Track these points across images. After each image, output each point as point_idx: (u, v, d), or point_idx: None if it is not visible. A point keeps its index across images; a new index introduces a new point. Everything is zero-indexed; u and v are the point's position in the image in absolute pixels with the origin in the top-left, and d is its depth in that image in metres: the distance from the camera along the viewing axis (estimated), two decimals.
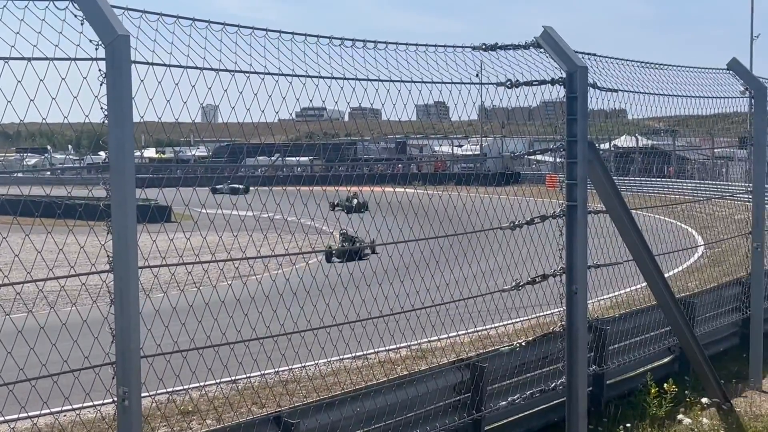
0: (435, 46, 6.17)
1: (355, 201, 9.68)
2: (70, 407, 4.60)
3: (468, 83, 6.31)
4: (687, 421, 7.61)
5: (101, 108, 4.05)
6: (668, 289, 7.61)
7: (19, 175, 5.22)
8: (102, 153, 4.62)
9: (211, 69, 4.60)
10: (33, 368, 4.23)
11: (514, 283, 6.57)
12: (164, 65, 4.34)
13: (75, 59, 4.03)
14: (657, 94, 8.36)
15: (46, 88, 4.00)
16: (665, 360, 9.12)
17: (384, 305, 5.84)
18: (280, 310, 5.35)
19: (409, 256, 6.00)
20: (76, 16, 4.03)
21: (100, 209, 4.10)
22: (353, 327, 5.62)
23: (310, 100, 5.40)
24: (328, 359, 7.09)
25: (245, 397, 8.20)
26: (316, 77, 5.34)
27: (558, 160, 7.00)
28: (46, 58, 3.97)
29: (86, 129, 4.53)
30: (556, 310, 7.01)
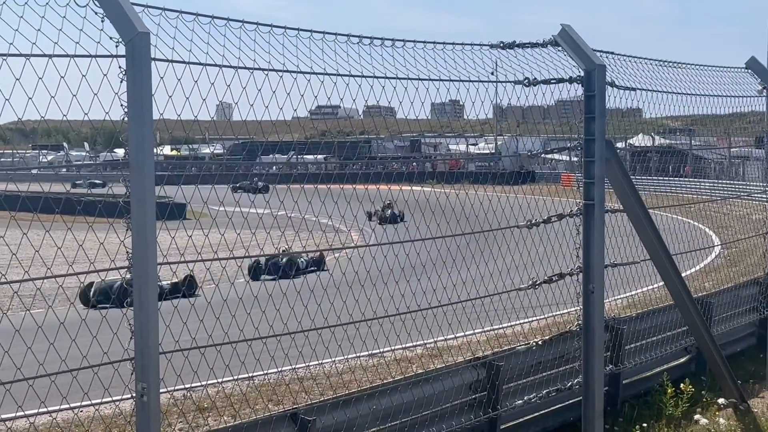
0: (452, 44, 6.18)
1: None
2: (88, 402, 4.63)
3: (485, 81, 6.30)
4: (704, 421, 7.58)
5: (121, 105, 4.07)
6: (685, 288, 7.58)
7: (35, 171, 5.25)
8: (119, 150, 4.64)
9: (230, 66, 4.62)
10: (52, 364, 4.26)
11: (530, 282, 6.56)
12: (183, 62, 4.36)
13: (95, 56, 4.05)
14: (674, 93, 8.33)
15: (67, 85, 4.04)
16: (682, 360, 9.08)
17: (400, 303, 5.84)
18: (296, 306, 5.36)
19: (426, 255, 6.00)
20: (96, 13, 4.06)
21: (120, 206, 4.13)
22: (369, 325, 5.62)
23: (328, 98, 5.42)
24: (345, 357, 7.10)
25: (262, 393, 8.22)
26: (333, 75, 5.35)
27: (575, 158, 6.98)
28: (67, 55, 4.00)
29: (103, 126, 4.56)
30: (572, 309, 6.99)
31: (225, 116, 6.12)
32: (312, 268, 17.79)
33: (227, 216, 5.34)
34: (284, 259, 16.57)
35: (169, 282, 17.08)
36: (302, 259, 17.86)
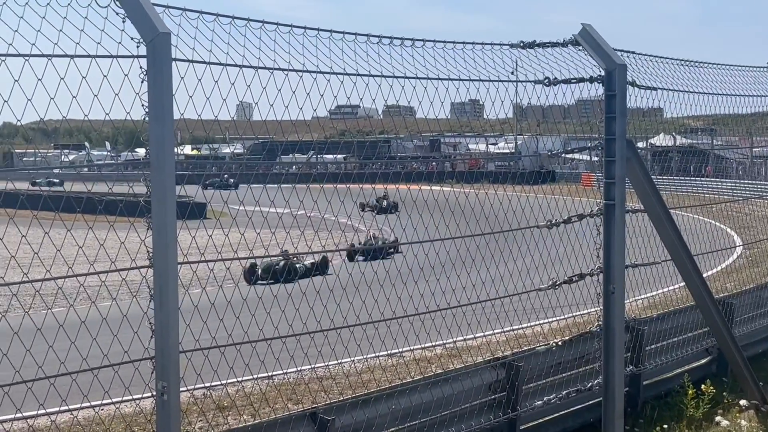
0: (471, 44, 6.16)
1: (385, 202, 9.73)
2: (109, 401, 4.66)
3: (505, 81, 6.29)
4: (725, 423, 7.53)
5: (142, 105, 4.09)
6: (707, 289, 7.53)
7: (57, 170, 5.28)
8: (140, 150, 4.67)
9: (251, 66, 4.63)
10: (74, 362, 4.29)
11: (550, 282, 6.53)
12: (204, 62, 4.38)
13: (117, 57, 4.07)
14: (695, 93, 8.27)
15: (89, 85, 4.05)
16: (703, 361, 9.02)
17: (419, 303, 5.84)
18: (316, 306, 5.38)
19: (445, 254, 5.99)
20: (117, 14, 4.08)
21: (141, 205, 4.15)
22: (389, 324, 5.62)
23: (348, 98, 5.42)
24: (364, 356, 7.11)
25: (281, 393, 8.24)
26: (353, 75, 5.35)
27: (595, 158, 6.95)
28: (89, 56, 4.02)
29: (124, 126, 4.58)
30: (592, 309, 6.96)
31: (245, 116, 6.13)
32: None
33: (247, 215, 5.36)
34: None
35: (309, 262, 17.59)
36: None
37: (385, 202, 9.73)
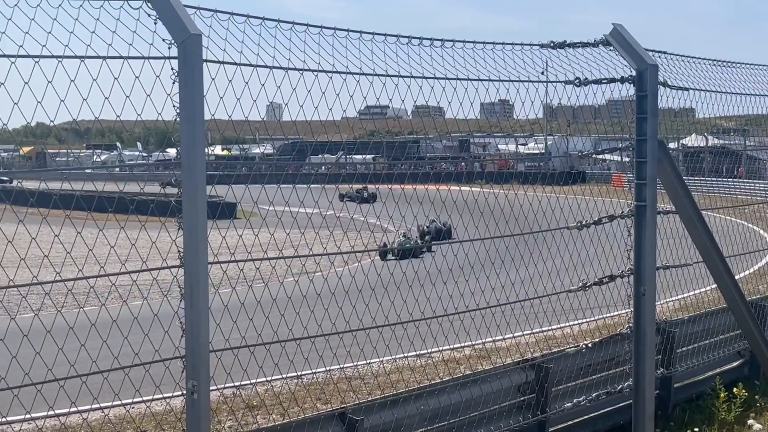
0: (501, 44, 6.14)
1: (365, 193, 9.85)
2: (140, 399, 4.70)
3: (535, 81, 6.26)
4: (757, 426, 7.45)
5: (173, 106, 4.12)
6: (739, 291, 7.45)
7: (90, 170, 5.33)
8: (171, 150, 4.70)
9: (281, 68, 4.65)
10: (105, 360, 4.33)
11: (580, 284, 6.50)
12: (235, 64, 4.40)
13: (148, 58, 4.10)
14: (727, 93, 8.19)
15: (120, 86, 4.08)
16: (735, 364, 8.93)
17: (448, 304, 5.83)
18: (345, 306, 5.39)
19: (474, 255, 5.98)
20: (149, 15, 4.10)
21: (172, 205, 4.18)
22: (417, 325, 5.62)
23: (377, 98, 5.43)
24: (392, 357, 7.11)
25: (310, 392, 8.26)
26: (382, 75, 5.36)
27: (626, 159, 6.90)
28: (121, 57, 4.05)
29: (155, 126, 4.62)
30: (623, 311, 6.91)
31: (275, 116, 6.16)
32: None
33: (276, 216, 5.38)
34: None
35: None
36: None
37: (365, 193, 9.84)
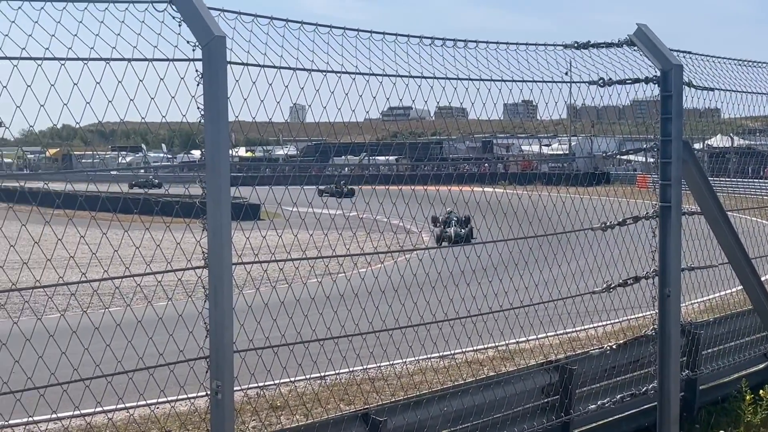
0: (525, 44, 6.12)
1: (345, 188, 9.96)
2: (165, 399, 4.72)
3: (559, 82, 6.24)
4: None
5: (198, 107, 4.14)
6: (765, 293, 7.38)
7: (114, 172, 5.37)
8: (195, 152, 4.73)
9: (304, 69, 4.66)
10: (130, 360, 4.36)
11: (605, 285, 6.47)
12: (258, 65, 4.42)
13: (173, 60, 4.12)
14: (754, 93, 8.12)
15: (146, 88, 4.12)
16: (761, 366, 8.85)
17: (471, 305, 5.82)
18: (368, 307, 5.39)
19: (497, 257, 5.97)
20: (174, 17, 4.13)
21: (196, 207, 4.20)
22: (440, 326, 5.62)
23: (400, 99, 5.43)
24: (416, 358, 7.10)
25: (333, 393, 8.28)
26: (405, 76, 5.35)
27: (651, 159, 6.86)
28: (145, 59, 4.08)
29: (180, 128, 4.64)
30: (648, 313, 6.87)
31: (298, 118, 6.18)
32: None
33: (300, 217, 5.39)
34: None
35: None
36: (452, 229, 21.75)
37: (345, 189, 9.96)
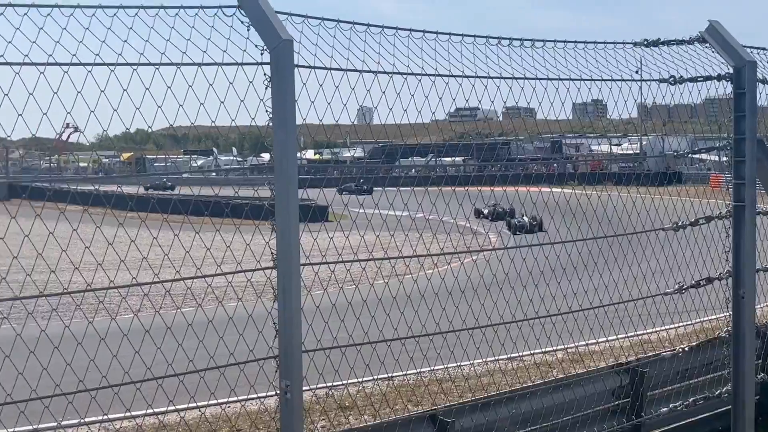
0: (593, 43, 6.05)
1: (363, 186, 10.01)
2: (235, 398, 4.80)
3: (629, 80, 6.16)
4: None
5: (266, 111, 4.19)
6: None
7: (187, 175, 5.47)
8: (265, 154, 4.79)
9: (370, 71, 4.69)
10: (201, 360, 4.44)
11: (676, 286, 6.36)
12: (325, 68, 4.46)
13: (242, 64, 4.19)
14: None
15: (215, 92, 4.19)
16: None
17: (539, 307, 5.78)
18: (435, 308, 5.39)
19: (566, 257, 5.91)
20: (242, 22, 4.19)
21: (265, 209, 4.25)
22: (508, 328, 5.59)
23: (467, 100, 5.41)
24: (483, 359, 7.08)
25: (401, 394, 8.29)
26: (472, 77, 5.34)
27: (724, 159, 6.73)
28: (215, 63, 4.16)
29: (250, 131, 4.71)
30: (721, 315, 6.73)
31: (365, 120, 6.22)
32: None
33: (367, 218, 5.42)
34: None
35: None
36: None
37: (364, 186, 10.02)
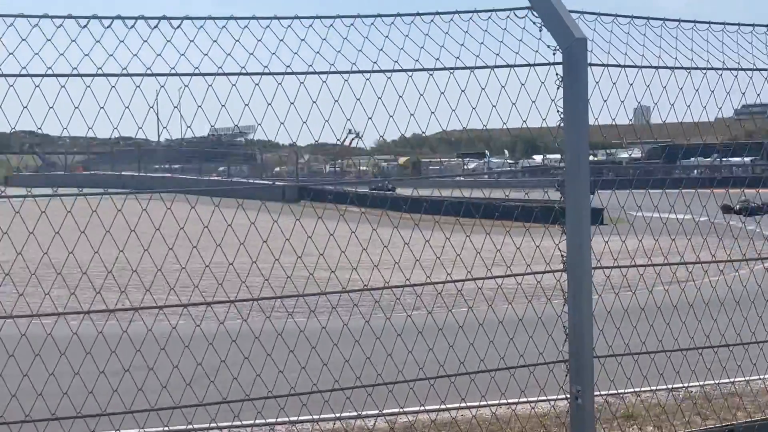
0: None
1: (389, 186, 9.33)
2: (525, 400, 4.79)
3: None
4: None
5: (557, 111, 4.14)
6: None
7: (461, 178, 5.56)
8: (536, 157, 4.75)
9: (666, 67, 4.52)
10: (491, 360, 4.48)
11: None
12: (619, 66, 4.35)
13: (534, 65, 4.19)
14: None
15: (508, 94, 4.21)
16: None
17: None
18: (720, 318, 5.08)
19: None
20: (534, 23, 4.19)
21: (555, 211, 4.21)
22: None
23: (758, 95, 5.08)
24: None
25: (698, 406, 7.86)
26: (764, 70, 5.00)
27: None
28: (507, 66, 4.19)
29: (520, 134, 4.70)
30: None
31: (643, 118, 6.00)
32: None
33: (645, 221, 5.23)
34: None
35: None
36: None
37: (389, 186, 9.44)
